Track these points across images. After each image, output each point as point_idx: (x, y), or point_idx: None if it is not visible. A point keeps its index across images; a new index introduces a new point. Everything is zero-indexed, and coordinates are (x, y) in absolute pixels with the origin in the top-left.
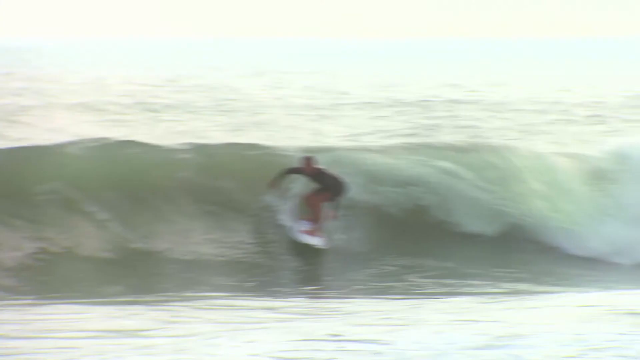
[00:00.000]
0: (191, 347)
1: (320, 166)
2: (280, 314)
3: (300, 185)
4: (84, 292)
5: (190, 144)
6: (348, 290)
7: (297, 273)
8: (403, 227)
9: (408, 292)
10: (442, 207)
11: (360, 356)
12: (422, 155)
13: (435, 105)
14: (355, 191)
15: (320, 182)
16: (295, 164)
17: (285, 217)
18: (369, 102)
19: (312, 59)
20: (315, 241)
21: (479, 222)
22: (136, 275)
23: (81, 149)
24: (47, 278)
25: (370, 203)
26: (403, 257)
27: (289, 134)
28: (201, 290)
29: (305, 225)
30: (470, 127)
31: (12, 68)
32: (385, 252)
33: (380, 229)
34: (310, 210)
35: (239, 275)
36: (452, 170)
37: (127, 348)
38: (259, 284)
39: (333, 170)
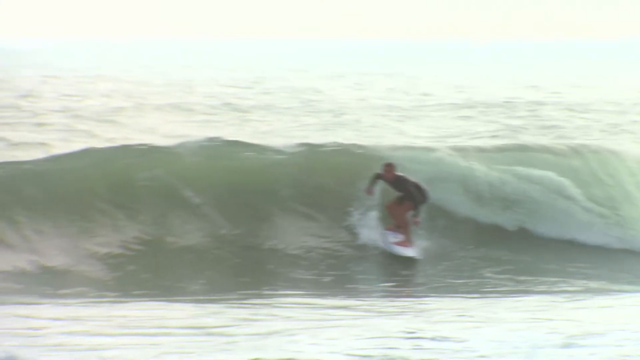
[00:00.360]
0: (271, 344)
1: (401, 173)
2: (357, 311)
3: (382, 193)
4: (167, 288)
5: (294, 143)
6: (423, 288)
7: (374, 268)
8: (481, 226)
9: (482, 290)
10: (542, 224)
11: (435, 354)
12: (521, 162)
13: (515, 106)
14: (447, 200)
15: (400, 189)
16: (379, 170)
17: (369, 226)
18: (450, 103)
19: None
20: (409, 252)
21: (581, 237)
22: (220, 267)
23: (187, 149)
24: (135, 268)
25: (466, 216)
26: (478, 250)
27: (377, 134)
28: (280, 286)
29: (395, 237)
30: (555, 127)
31: (100, 70)
32: (461, 249)
33: (460, 229)
34: (394, 219)
35: (318, 269)
36: (557, 186)
37: (208, 345)
38: (336, 278)
39: (413, 177)
